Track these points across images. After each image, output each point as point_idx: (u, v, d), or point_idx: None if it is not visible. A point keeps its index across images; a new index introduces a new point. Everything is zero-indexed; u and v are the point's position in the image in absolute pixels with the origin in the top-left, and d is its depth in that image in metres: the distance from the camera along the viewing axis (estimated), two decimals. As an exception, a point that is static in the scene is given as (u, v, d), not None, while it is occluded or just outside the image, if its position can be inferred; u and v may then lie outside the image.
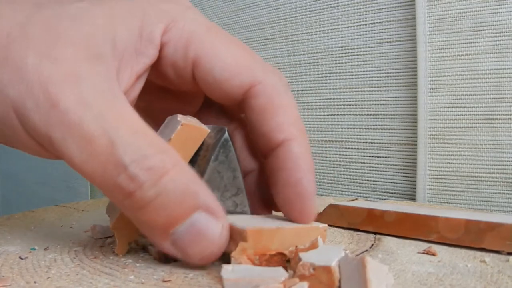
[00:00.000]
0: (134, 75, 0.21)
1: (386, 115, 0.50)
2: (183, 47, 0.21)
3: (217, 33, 0.22)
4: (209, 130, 0.23)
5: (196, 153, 0.23)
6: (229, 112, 0.26)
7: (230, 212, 0.23)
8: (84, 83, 0.18)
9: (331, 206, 0.30)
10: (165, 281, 0.19)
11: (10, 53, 0.18)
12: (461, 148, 0.45)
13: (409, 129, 0.49)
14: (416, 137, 0.47)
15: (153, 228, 0.19)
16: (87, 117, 0.18)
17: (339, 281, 0.17)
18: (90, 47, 0.19)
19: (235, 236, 0.20)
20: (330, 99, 0.55)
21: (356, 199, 0.42)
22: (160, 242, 0.19)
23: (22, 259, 0.22)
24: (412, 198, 0.48)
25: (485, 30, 0.43)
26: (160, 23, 0.21)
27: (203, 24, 0.22)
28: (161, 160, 0.18)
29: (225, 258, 0.20)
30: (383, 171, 0.51)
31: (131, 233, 0.22)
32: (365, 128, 0.52)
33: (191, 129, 0.22)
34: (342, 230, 0.29)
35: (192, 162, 0.23)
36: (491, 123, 0.43)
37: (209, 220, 0.19)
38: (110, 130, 0.18)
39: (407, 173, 0.49)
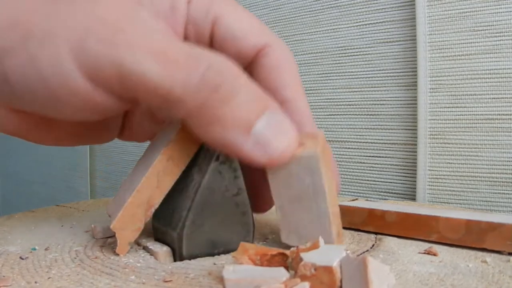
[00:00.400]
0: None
1: (386, 115, 0.50)
2: (205, 6, 0.23)
3: (234, 2, 0.24)
4: None
5: (197, 153, 0.23)
6: None
7: (231, 212, 0.23)
8: (140, 12, 0.20)
9: (331, 206, 0.30)
10: (166, 281, 0.19)
11: (54, 8, 0.19)
12: (461, 148, 0.45)
13: (409, 129, 0.49)
14: (416, 137, 0.47)
15: (237, 126, 0.19)
16: (156, 35, 0.19)
17: (341, 281, 0.17)
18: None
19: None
20: (330, 99, 0.55)
21: (357, 199, 0.42)
22: (242, 144, 0.19)
23: (22, 259, 0.22)
24: (412, 198, 0.48)
25: (485, 30, 0.43)
26: None
27: None
28: (229, 63, 0.19)
29: None
30: (383, 171, 0.51)
31: (132, 233, 0.22)
32: (365, 128, 0.52)
33: None
34: (343, 230, 0.29)
35: (193, 162, 0.23)
36: (491, 123, 0.43)
37: (281, 115, 0.20)
38: (179, 43, 0.19)
39: (407, 173, 0.49)
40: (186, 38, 0.24)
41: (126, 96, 0.19)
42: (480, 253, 0.23)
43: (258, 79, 0.23)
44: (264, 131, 0.19)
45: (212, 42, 0.24)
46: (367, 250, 0.24)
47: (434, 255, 0.23)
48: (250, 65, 0.24)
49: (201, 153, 0.23)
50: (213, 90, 0.18)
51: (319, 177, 0.21)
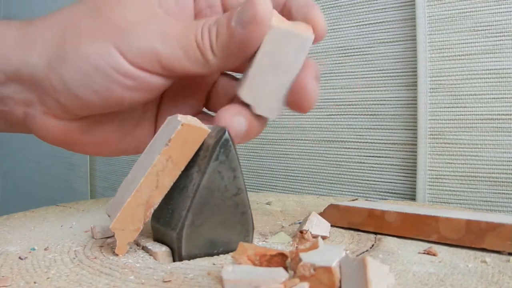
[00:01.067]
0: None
1: (386, 115, 0.50)
2: None
3: None
4: (209, 130, 0.23)
5: (197, 153, 0.23)
6: None
7: (231, 212, 0.23)
8: (157, 16, 0.26)
9: (331, 206, 0.30)
10: (165, 282, 0.19)
11: (96, 19, 0.25)
12: (461, 148, 0.45)
13: (409, 129, 0.49)
14: (416, 137, 0.47)
15: (226, 33, 0.24)
16: (169, 25, 0.25)
17: (340, 281, 0.17)
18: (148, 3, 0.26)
19: None
20: (330, 99, 0.55)
21: (357, 199, 0.42)
22: (238, 35, 0.24)
23: (22, 259, 0.22)
24: (412, 198, 0.48)
25: (485, 30, 0.43)
26: None
27: None
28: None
29: None
30: (383, 171, 0.51)
31: (131, 233, 0.22)
32: (365, 128, 0.52)
33: (191, 129, 0.22)
34: (343, 230, 0.29)
35: (193, 162, 0.23)
36: (491, 123, 0.43)
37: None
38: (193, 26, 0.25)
39: (407, 173, 0.49)
40: (197, 8, 0.29)
41: (165, 74, 0.25)
42: (479, 253, 0.23)
43: None
44: (237, 17, 0.24)
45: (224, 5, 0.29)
46: (367, 250, 0.24)
47: (434, 255, 0.23)
48: None
49: (201, 153, 0.23)
50: (207, 34, 0.25)
51: (302, 56, 0.25)
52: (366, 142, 0.52)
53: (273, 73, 0.25)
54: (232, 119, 0.25)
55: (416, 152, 0.47)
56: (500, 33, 0.43)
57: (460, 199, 0.45)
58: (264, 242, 0.26)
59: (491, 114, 0.43)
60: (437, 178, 0.46)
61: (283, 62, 0.25)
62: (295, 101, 0.27)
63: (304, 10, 0.26)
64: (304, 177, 0.57)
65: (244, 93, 0.26)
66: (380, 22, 0.51)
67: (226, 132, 0.23)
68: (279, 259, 0.20)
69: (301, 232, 0.26)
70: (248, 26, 0.24)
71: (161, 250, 0.23)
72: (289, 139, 0.58)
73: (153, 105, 0.31)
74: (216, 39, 0.25)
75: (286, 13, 0.27)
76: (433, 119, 0.46)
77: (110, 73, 0.25)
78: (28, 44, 0.26)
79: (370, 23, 0.51)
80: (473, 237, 0.23)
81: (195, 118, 0.24)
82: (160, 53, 0.25)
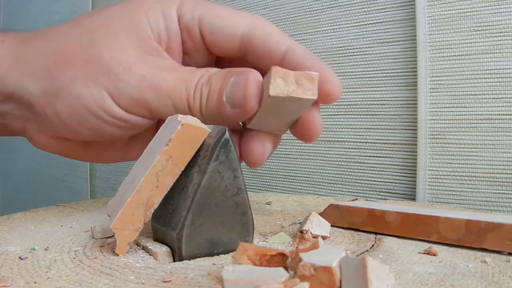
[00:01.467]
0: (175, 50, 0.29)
1: (386, 115, 0.50)
2: (189, 12, 0.28)
3: (213, 3, 0.29)
4: (209, 130, 0.23)
5: (197, 153, 0.23)
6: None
7: (231, 212, 0.23)
8: (149, 60, 0.26)
9: (331, 206, 0.30)
10: (166, 282, 0.19)
11: (90, 55, 0.26)
12: (461, 148, 0.45)
13: (409, 129, 0.49)
14: (416, 137, 0.47)
15: (216, 104, 0.26)
16: (162, 73, 0.26)
17: (340, 281, 0.17)
18: (140, 39, 0.27)
19: None
20: (330, 99, 0.54)
21: (357, 199, 0.42)
22: (226, 112, 0.25)
23: (22, 259, 0.22)
24: (412, 198, 0.48)
25: (485, 30, 0.43)
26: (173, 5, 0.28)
27: None
28: (206, 71, 0.27)
29: None
30: (383, 171, 0.51)
31: (131, 233, 0.22)
32: (365, 128, 0.52)
33: (191, 129, 0.22)
34: (343, 230, 0.29)
35: (193, 162, 0.23)
36: (491, 123, 0.43)
37: (240, 76, 0.25)
38: (180, 74, 0.26)
39: (407, 173, 0.49)
40: (183, 43, 0.29)
41: (155, 118, 0.27)
42: (480, 253, 0.23)
43: (253, 55, 0.28)
44: (228, 95, 0.25)
45: (204, 38, 0.29)
46: (367, 250, 0.24)
47: (434, 255, 0.23)
48: (240, 48, 0.28)
49: (201, 153, 0.23)
50: (199, 97, 0.26)
51: (305, 108, 0.26)
52: (366, 142, 0.52)
53: (276, 117, 0.26)
54: (263, 145, 0.28)
55: (416, 152, 0.47)
56: (500, 33, 0.43)
57: (460, 199, 0.45)
58: (264, 242, 0.26)
59: (491, 114, 0.43)
60: (437, 178, 0.46)
61: (285, 113, 0.26)
62: (301, 133, 0.28)
63: (308, 68, 0.26)
64: (304, 177, 0.57)
65: (252, 126, 0.28)
66: (380, 22, 0.51)
67: (227, 132, 0.23)
68: (279, 259, 0.20)
69: (301, 232, 0.26)
70: (236, 108, 0.25)
71: (161, 250, 0.23)
72: (289, 139, 0.58)
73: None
74: (206, 106, 0.26)
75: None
76: (433, 119, 0.46)
77: (102, 116, 0.26)
78: (23, 68, 0.27)
79: (370, 23, 0.51)
80: (473, 237, 0.23)
81: (195, 118, 0.24)
82: (151, 104, 0.26)
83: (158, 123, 0.31)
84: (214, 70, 0.26)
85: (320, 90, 0.25)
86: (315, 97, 0.24)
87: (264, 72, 0.26)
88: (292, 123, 0.28)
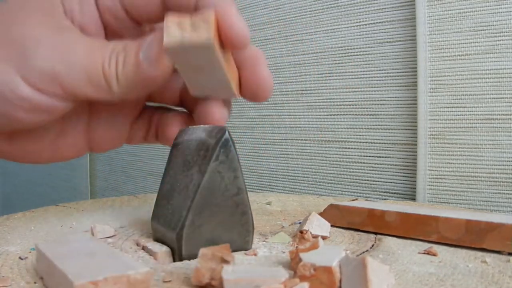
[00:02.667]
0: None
1: (386, 115, 0.50)
2: None
3: None
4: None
5: (197, 153, 0.23)
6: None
7: (231, 212, 0.23)
8: (62, 34, 0.25)
9: (331, 206, 0.30)
10: (165, 282, 0.19)
11: (2, 34, 0.24)
12: (461, 148, 0.45)
13: (409, 129, 0.49)
14: (416, 137, 0.47)
15: (133, 65, 0.24)
16: (75, 47, 0.25)
17: (340, 281, 0.17)
18: (53, 17, 0.26)
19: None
20: (330, 99, 0.55)
21: (356, 199, 0.42)
22: (145, 71, 0.24)
23: (22, 259, 0.22)
24: (412, 198, 0.48)
25: (485, 30, 0.43)
26: None
27: None
28: (117, 42, 0.25)
29: None
30: (383, 171, 0.51)
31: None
32: (365, 128, 0.52)
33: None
34: (343, 230, 0.29)
35: (193, 162, 0.23)
36: (491, 123, 0.43)
37: (154, 35, 0.24)
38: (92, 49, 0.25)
39: (407, 173, 0.49)
40: (108, 26, 0.28)
41: (66, 97, 0.25)
42: (480, 253, 0.23)
43: (175, 7, 0.27)
44: (145, 53, 0.24)
45: (127, 12, 0.28)
46: (367, 250, 0.24)
47: (434, 255, 0.23)
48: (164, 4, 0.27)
49: (201, 153, 0.23)
50: (115, 63, 0.24)
51: (216, 60, 0.23)
52: (366, 142, 0.52)
53: (201, 74, 0.25)
54: (220, 111, 0.27)
55: (416, 152, 0.47)
56: (500, 33, 0.43)
57: (460, 199, 0.45)
58: (264, 242, 0.26)
59: (491, 114, 0.43)
60: (437, 178, 0.46)
61: (202, 66, 0.24)
62: (252, 93, 0.27)
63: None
64: (304, 177, 0.57)
65: (194, 92, 0.26)
66: (380, 22, 0.51)
67: (226, 132, 0.23)
68: None
69: (301, 232, 0.26)
70: (153, 65, 0.24)
71: (161, 250, 0.23)
72: (289, 139, 0.58)
73: (77, 115, 0.31)
74: (123, 68, 0.25)
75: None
76: (433, 119, 0.46)
77: (9, 97, 0.24)
78: None
79: (370, 23, 0.51)
80: (473, 237, 0.23)
81: None
82: (62, 75, 0.24)
83: (77, 112, 0.30)
84: (126, 41, 0.26)
85: (222, 35, 0.23)
86: (210, 41, 0.22)
87: None
88: (233, 81, 0.26)
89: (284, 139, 0.59)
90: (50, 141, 0.30)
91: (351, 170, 0.53)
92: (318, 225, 0.26)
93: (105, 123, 0.31)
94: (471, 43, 0.44)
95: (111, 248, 0.19)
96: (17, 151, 0.29)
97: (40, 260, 0.19)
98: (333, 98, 0.54)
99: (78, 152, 0.31)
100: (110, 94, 0.25)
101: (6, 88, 0.24)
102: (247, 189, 0.24)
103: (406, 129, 0.49)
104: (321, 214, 0.30)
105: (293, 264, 0.20)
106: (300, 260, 0.18)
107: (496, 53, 0.43)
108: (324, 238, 0.26)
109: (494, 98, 0.43)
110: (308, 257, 0.18)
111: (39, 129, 0.29)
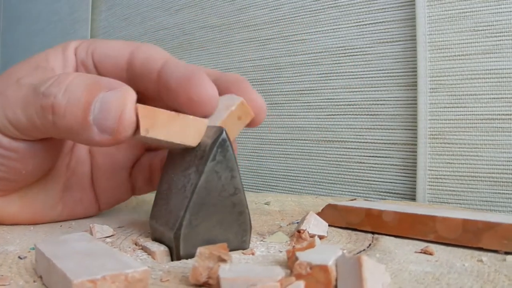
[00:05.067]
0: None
1: (386, 115, 0.50)
2: (84, 50, 0.28)
3: (106, 39, 0.30)
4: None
5: (194, 153, 0.23)
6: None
7: (228, 212, 0.23)
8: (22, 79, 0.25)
9: (329, 206, 0.30)
10: (163, 281, 0.19)
11: None
12: (461, 148, 0.45)
13: (409, 129, 0.49)
14: (416, 137, 0.47)
15: (79, 124, 0.22)
16: (22, 89, 0.24)
17: (336, 280, 0.17)
18: (32, 69, 0.26)
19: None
20: (330, 99, 0.55)
21: (355, 199, 0.42)
22: (92, 135, 0.22)
23: (21, 258, 0.22)
24: (412, 198, 0.48)
25: (485, 30, 0.43)
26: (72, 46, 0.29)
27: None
28: (60, 76, 0.23)
29: None
30: (383, 171, 0.51)
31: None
32: (365, 128, 0.52)
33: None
34: (340, 230, 0.29)
35: (190, 162, 0.23)
36: (491, 123, 0.43)
37: (113, 93, 0.22)
38: (32, 86, 0.24)
39: (407, 173, 0.49)
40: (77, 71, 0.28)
41: (25, 135, 0.24)
42: (476, 252, 0.23)
43: (139, 75, 0.27)
44: (99, 115, 0.21)
45: (97, 70, 0.28)
46: (364, 250, 0.24)
47: (430, 254, 0.23)
48: (128, 71, 0.28)
49: (198, 153, 0.23)
50: (50, 112, 0.22)
51: None
52: (366, 142, 0.52)
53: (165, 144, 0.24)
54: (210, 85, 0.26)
55: (416, 152, 0.47)
56: (500, 33, 0.43)
57: (460, 199, 0.45)
58: (261, 242, 0.26)
59: (491, 114, 0.43)
60: (437, 178, 0.46)
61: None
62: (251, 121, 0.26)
63: (185, 83, 0.24)
64: (304, 177, 0.57)
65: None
66: (380, 22, 0.51)
67: (224, 132, 0.23)
68: None
69: (299, 231, 0.26)
70: (106, 135, 0.22)
71: (159, 249, 0.23)
72: (289, 139, 0.58)
73: (80, 167, 0.31)
74: (63, 118, 0.22)
75: (164, 87, 0.26)
76: (433, 119, 0.46)
77: None
78: None
79: (370, 23, 0.51)
80: (470, 237, 0.24)
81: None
82: (10, 119, 0.24)
83: (80, 164, 0.31)
84: (73, 74, 0.23)
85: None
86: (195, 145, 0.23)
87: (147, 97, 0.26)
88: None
89: (284, 139, 0.59)
90: (58, 196, 0.30)
91: (351, 170, 0.53)
92: (315, 225, 0.26)
93: (105, 173, 0.32)
94: (471, 43, 0.44)
95: (110, 248, 0.19)
96: (27, 210, 0.29)
97: (39, 259, 0.19)
98: (333, 98, 0.54)
99: (87, 209, 0.32)
100: (54, 135, 0.24)
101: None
102: (247, 189, 0.24)
103: (406, 129, 0.49)
104: (319, 213, 0.30)
105: (289, 263, 0.20)
106: (297, 259, 0.18)
107: (496, 53, 0.43)
108: (321, 237, 0.26)
109: (494, 98, 0.43)
110: (305, 256, 0.18)
111: (46, 186, 0.29)
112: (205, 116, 0.24)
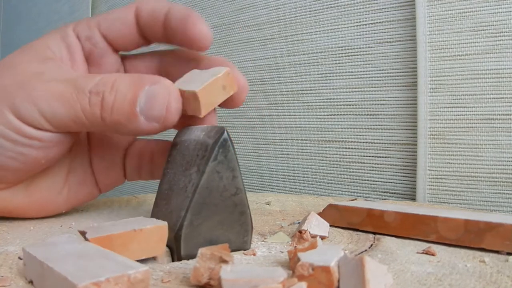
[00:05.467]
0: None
1: (386, 115, 0.50)
2: (86, 24, 0.29)
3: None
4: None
5: (196, 153, 0.23)
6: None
7: (229, 212, 0.23)
8: (43, 74, 0.26)
9: (330, 206, 0.30)
10: (164, 282, 0.19)
11: None
12: (461, 148, 0.45)
13: (409, 129, 0.49)
14: (416, 137, 0.47)
15: (126, 116, 0.24)
16: (57, 85, 0.25)
17: (338, 281, 0.17)
18: (39, 61, 0.27)
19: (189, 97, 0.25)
20: (330, 99, 0.55)
21: (356, 199, 0.42)
22: (139, 125, 0.24)
23: (21, 259, 0.22)
24: (412, 198, 0.48)
25: (485, 30, 0.43)
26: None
27: None
28: (104, 77, 0.25)
29: None
30: (383, 171, 0.51)
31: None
32: (365, 128, 0.52)
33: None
34: (342, 230, 0.29)
35: (192, 162, 0.23)
36: (491, 123, 0.43)
37: (157, 86, 0.24)
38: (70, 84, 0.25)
39: (407, 173, 0.49)
40: (91, 54, 0.30)
41: (57, 129, 0.25)
42: (478, 253, 0.23)
43: (147, 23, 0.29)
44: (146, 106, 0.24)
45: (106, 38, 0.30)
46: (365, 250, 0.24)
47: (432, 255, 0.23)
48: (139, 23, 0.29)
49: (199, 153, 0.23)
50: (99, 108, 0.24)
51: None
52: (366, 142, 0.52)
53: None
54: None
55: (416, 152, 0.47)
56: (500, 33, 0.43)
57: (460, 199, 0.45)
58: (263, 242, 0.26)
59: (491, 114, 0.43)
60: (437, 178, 0.46)
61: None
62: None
63: (182, 23, 0.27)
64: (304, 177, 0.57)
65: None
66: (380, 22, 0.51)
67: (225, 132, 0.23)
68: None
69: (300, 232, 0.26)
70: (154, 122, 0.24)
71: (160, 250, 0.23)
72: (289, 139, 0.58)
73: (81, 149, 0.32)
74: (112, 113, 0.24)
75: (167, 28, 0.28)
76: (433, 119, 0.46)
77: (15, 138, 0.25)
78: None
79: (370, 23, 0.51)
80: (471, 237, 0.23)
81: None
82: (46, 114, 0.25)
83: (81, 146, 0.31)
84: (115, 75, 0.25)
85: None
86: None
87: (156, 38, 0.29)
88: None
89: (284, 139, 0.59)
90: (63, 179, 0.31)
91: (351, 170, 0.53)
92: (317, 225, 0.26)
93: (100, 153, 0.32)
94: (471, 43, 0.44)
95: (101, 248, 0.19)
96: (34, 199, 0.30)
97: (29, 263, 0.19)
98: (333, 98, 0.54)
99: (89, 193, 0.33)
100: (99, 128, 0.25)
101: (9, 130, 0.25)
102: (247, 189, 0.24)
103: (406, 129, 0.49)
104: (320, 214, 0.30)
105: (291, 264, 0.20)
106: (299, 259, 0.18)
107: (496, 53, 0.43)
108: (323, 238, 0.26)
109: (494, 98, 0.43)
110: (307, 257, 0.18)
111: (51, 171, 0.30)
112: (200, 49, 0.27)
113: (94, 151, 0.32)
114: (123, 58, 0.32)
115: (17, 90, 0.25)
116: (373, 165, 0.51)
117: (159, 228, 0.21)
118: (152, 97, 0.24)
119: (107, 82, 0.24)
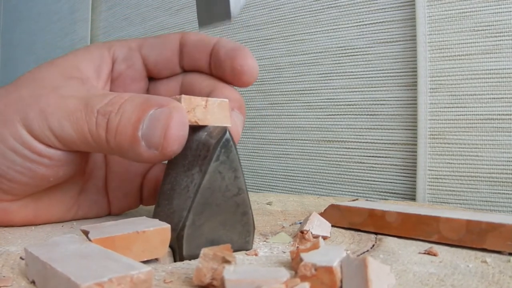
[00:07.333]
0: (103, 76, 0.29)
1: (386, 115, 0.50)
2: (126, 46, 0.30)
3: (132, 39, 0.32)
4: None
5: (198, 153, 0.23)
6: None
7: (231, 212, 0.23)
8: (61, 90, 0.25)
9: (332, 206, 0.30)
10: (166, 282, 0.19)
11: (15, 89, 0.26)
12: (461, 148, 0.45)
13: (409, 129, 0.49)
14: (416, 137, 0.47)
15: (128, 140, 0.23)
16: (68, 102, 0.24)
17: (341, 281, 0.17)
18: (64, 79, 0.26)
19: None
20: (330, 99, 0.55)
21: (357, 199, 0.42)
22: (141, 151, 0.23)
23: (23, 259, 0.22)
24: (412, 198, 0.48)
25: (485, 30, 0.43)
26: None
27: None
28: (115, 96, 0.24)
29: None
30: (383, 171, 0.51)
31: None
32: (365, 128, 0.52)
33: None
34: (343, 230, 0.29)
35: (194, 162, 0.23)
36: (491, 123, 0.43)
37: (161, 110, 0.22)
38: (83, 101, 0.24)
39: (407, 173, 0.49)
40: (121, 75, 0.30)
41: (67, 147, 0.25)
42: (480, 253, 0.23)
43: (192, 52, 0.30)
44: (147, 131, 0.22)
45: (145, 61, 0.30)
46: (367, 250, 0.24)
47: (434, 255, 0.23)
48: (183, 51, 0.30)
49: (202, 153, 0.23)
50: (104, 130, 0.23)
51: None
52: (366, 142, 0.52)
53: None
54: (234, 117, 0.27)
55: (416, 152, 0.47)
56: (500, 33, 0.43)
57: (460, 199, 0.45)
58: (264, 242, 0.26)
59: (491, 114, 0.44)
60: (437, 178, 0.46)
61: None
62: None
63: (232, 54, 0.27)
64: (304, 177, 0.57)
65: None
66: (380, 22, 0.51)
67: (227, 132, 0.23)
68: None
69: (302, 232, 0.26)
70: (153, 149, 0.22)
71: (162, 250, 0.23)
72: (289, 139, 0.58)
73: (96, 171, 0.31)
74: (116, 135, 0.23)
75: (214, 57, 0.29)
76: (433, 119, 0.46)
77: (25, 153, 0.24)
78: None
79: (370, 23, 0.51)
80: (473, 237, 0.23)
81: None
82: (55, 131, 0.24)
83: (96, 167, 0.31)
84: (127, 95, 0.24)
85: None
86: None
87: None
88: None
89: (284, 139, 0.59)
90: (74, 198, 0.30)
91: (351, 170, 0.53)
92: (318, 225, 0.26)
93: (118, 180, 0.32)
94: (471, 43, 0.44)
95: (103, 249, 0.19)
96: (43, 213, 0.29)
97: (31, 263, 0.19)
98: (333, 98, 0.54)
99: (99, 211, 0.32)
100: (105, 151, 0.24)
101: (20, 145, 0.24)
102: (248, 189, 0.24)
103: (406, 129, 0.49)
104: (321, 214, 0.30)
105: (294, 264, 0.20)
106: (301, 260, 0.18)
107: (496, 53, 0.43)
108: (324, 238, 0.26)
109: (494, 98, 0.43)
110: (309, 257, 0.18)
111: (62, 189, 0.29)
112: (242, 84, 0.28)
113: (111, 175, 0.31)
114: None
115: (32, 103, 0.24)
116: (373, 165, 0.51)
117: (162, 230, 0.21)
118: (153, 121, 0.22)
119: (115, 103, 0.23)
